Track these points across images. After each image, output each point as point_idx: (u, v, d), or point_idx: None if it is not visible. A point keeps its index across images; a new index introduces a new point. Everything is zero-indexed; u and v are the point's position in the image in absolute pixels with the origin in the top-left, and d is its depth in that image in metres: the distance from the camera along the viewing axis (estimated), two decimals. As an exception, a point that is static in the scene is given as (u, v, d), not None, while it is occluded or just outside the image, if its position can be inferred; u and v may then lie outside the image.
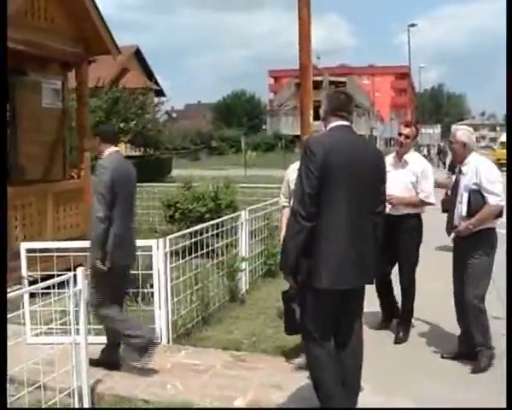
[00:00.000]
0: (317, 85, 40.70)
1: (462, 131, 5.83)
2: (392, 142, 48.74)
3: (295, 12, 8.09)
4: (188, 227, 8.85)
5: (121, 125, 26.39)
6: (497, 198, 5.51)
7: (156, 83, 41.79)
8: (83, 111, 10.15)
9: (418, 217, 6.54)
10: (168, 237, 6.43)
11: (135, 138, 28.79)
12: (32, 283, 6.03)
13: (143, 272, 6.50)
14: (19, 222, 8.37)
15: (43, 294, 6.01)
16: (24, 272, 6.15)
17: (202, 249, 7.30)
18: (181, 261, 6.81)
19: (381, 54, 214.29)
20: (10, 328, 4.48)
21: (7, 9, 5.58)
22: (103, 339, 5.82)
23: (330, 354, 4.31)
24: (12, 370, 4.44)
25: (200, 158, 53.80)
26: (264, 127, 75.72)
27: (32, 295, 6.14)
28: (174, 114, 72.75)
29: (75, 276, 4.66)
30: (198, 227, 7.41)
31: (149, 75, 41.01)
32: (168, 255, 6.32)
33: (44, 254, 6.32)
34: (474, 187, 5.56)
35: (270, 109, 75.07)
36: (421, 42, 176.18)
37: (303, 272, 4.18)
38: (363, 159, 4.26)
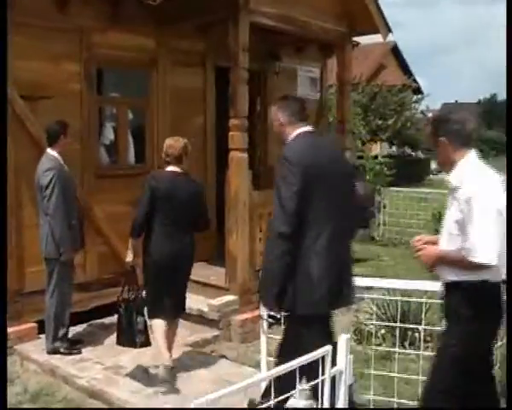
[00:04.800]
0: None
1: None
2: None
3: None
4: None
5: (379, 122, 25.07)
6: None
7: (414, 80, 39.76)
8: (344, 103, 8.39)
9: (476, 292, 3.47)
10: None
11: (392, 136, 27.06)
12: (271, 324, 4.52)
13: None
14: (263, 234, 6.88)
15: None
16: (263, 310, 4.58)
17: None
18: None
19: None
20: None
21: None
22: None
23: None
24: None
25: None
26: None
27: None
28: (430, 114, 69.86)
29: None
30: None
31: (406, 72, 39.11)
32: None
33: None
34: None
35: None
36: None
37: (288, 299, 3.75)
38: (337, 166, 3.93)
